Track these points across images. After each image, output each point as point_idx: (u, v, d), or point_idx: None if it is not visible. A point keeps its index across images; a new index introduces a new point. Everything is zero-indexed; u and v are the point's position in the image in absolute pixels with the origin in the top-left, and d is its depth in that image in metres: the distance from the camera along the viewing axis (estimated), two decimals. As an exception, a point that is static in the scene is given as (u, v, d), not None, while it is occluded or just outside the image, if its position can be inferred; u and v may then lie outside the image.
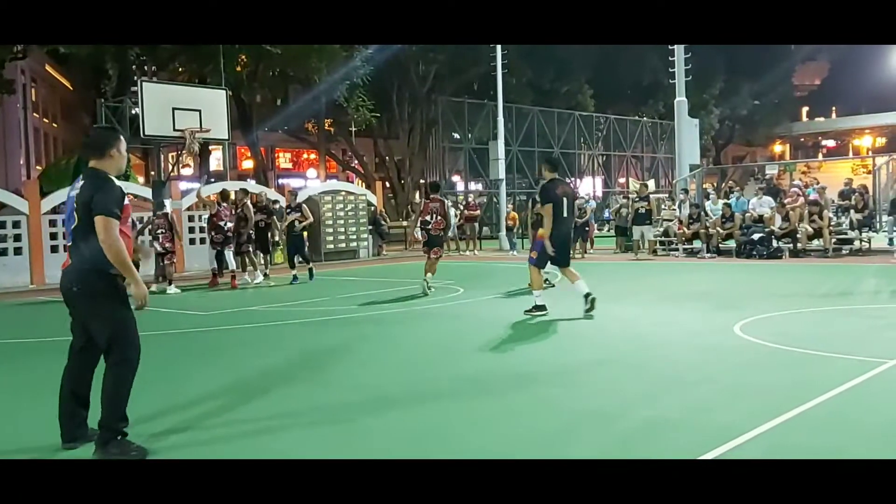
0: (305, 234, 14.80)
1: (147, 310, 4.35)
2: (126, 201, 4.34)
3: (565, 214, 9.17)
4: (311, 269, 14.94)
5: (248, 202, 14.92)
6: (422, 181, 42.02)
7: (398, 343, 7.98)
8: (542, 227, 9.16)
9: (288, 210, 14.94)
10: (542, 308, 9.22)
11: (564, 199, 9.15)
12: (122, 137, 4.50)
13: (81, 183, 4.35)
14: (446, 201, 13.66)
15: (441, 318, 9.61)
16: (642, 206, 18.97)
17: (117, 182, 4.33)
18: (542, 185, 9.30)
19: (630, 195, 22.84)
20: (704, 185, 24.93)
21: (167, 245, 13.93)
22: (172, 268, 14.21)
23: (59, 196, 18.04)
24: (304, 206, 15.36)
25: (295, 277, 14.55)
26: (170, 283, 13.77)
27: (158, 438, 4.66)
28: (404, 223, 30.07)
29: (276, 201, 21.46)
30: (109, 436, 4.20)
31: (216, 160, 39.34)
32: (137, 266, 12.56)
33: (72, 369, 4.43)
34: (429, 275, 11.98)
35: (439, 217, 12.03)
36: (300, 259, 14.93)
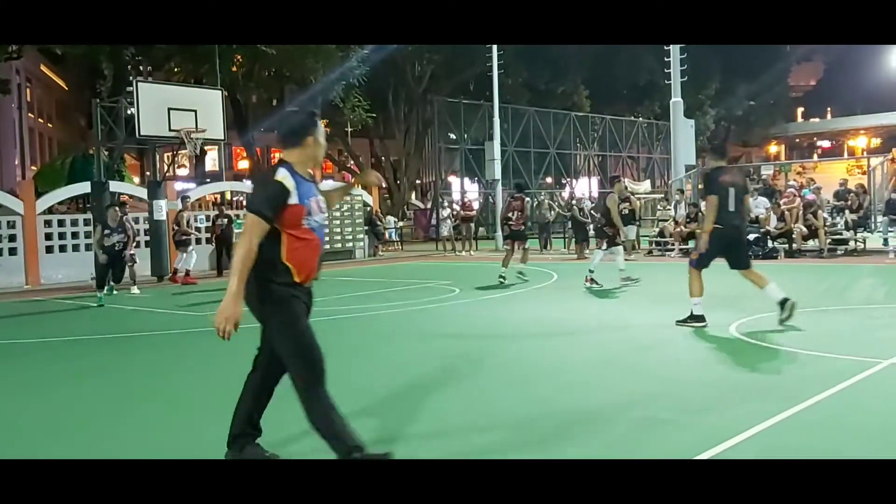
0: None
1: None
2: (297, 199, 3.55)
3: (731, 208, 7.85)
4: None
5: None
6: (418, 181, 42.11)
7: (393, 342, 7.98)
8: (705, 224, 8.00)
9: None
10: (699, 318, 7.93)
11: (732, 190, 7.88)
12: (319, 123, 3.81)
13: None
14: (527, 199, 15.43)
15: (437, 318, 9.61)
16: (625, 208, 19.20)
17: (281, 176, 3.55)
18: (705, 173, 8.11)
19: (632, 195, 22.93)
20: (700, 186, 24.92)
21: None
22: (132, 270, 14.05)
23: (55, 196, 18.05)
24: None
25: None
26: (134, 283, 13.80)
27: (158, 440, 4.66)
28: (400, 223, 30.12)
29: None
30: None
31: (212, 161, 39.32)
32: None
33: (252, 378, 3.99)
34: (522, 265, 13.49)
35: (520, 213, 13.41)
36: None
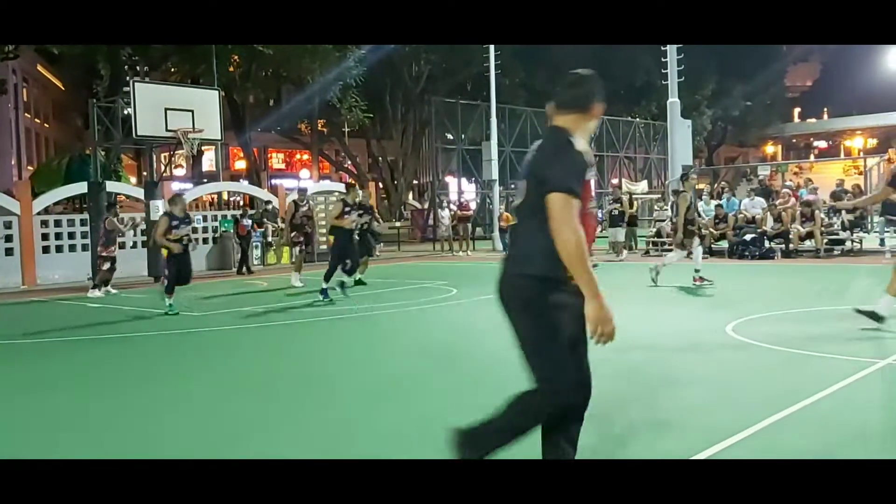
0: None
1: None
2: (588, 174, 3.00)
3: None
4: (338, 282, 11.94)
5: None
6: (415, 181, 42.10)
7: (391, 342, 7.97)
8: None
9: (347, 210, 12.10)
10: None
11: None
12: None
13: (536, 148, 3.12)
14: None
15: (435, 319, 9.61)
16: (616, 209, 19.33)
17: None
18: None
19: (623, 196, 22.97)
20: (699, 186, 24.96)
21: (98, 249, 13.93)
22: (110, 273, 13.91)
23: (51, 196, 18.01)
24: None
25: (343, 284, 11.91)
26: (97, 287, 13.75)
27: (157, 440, 4.65)
28: (397, 224, 30.15)
29: (268, 202, 21.54)
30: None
31: (209, 161, 39.27)
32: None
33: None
34: None
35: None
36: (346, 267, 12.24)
